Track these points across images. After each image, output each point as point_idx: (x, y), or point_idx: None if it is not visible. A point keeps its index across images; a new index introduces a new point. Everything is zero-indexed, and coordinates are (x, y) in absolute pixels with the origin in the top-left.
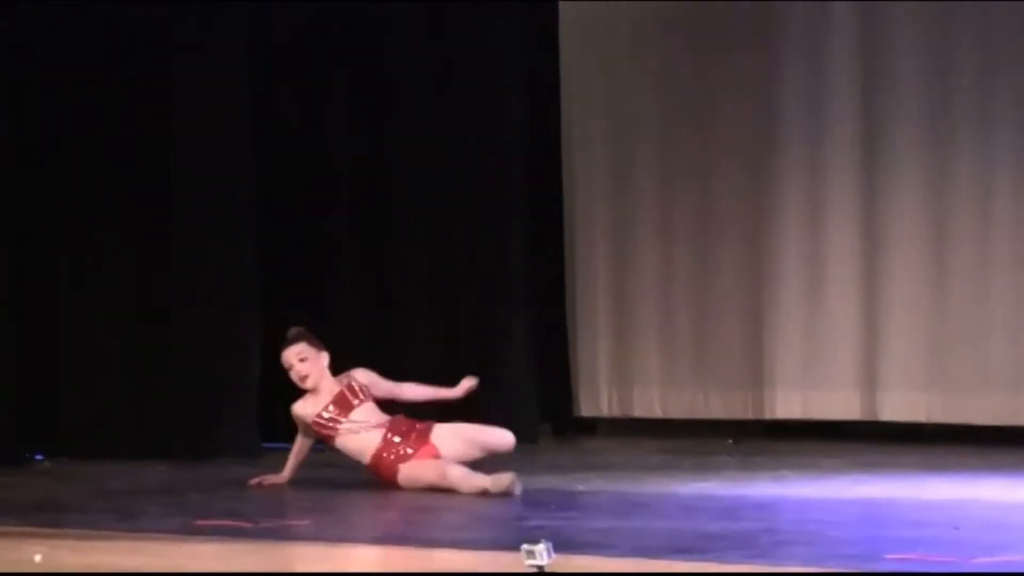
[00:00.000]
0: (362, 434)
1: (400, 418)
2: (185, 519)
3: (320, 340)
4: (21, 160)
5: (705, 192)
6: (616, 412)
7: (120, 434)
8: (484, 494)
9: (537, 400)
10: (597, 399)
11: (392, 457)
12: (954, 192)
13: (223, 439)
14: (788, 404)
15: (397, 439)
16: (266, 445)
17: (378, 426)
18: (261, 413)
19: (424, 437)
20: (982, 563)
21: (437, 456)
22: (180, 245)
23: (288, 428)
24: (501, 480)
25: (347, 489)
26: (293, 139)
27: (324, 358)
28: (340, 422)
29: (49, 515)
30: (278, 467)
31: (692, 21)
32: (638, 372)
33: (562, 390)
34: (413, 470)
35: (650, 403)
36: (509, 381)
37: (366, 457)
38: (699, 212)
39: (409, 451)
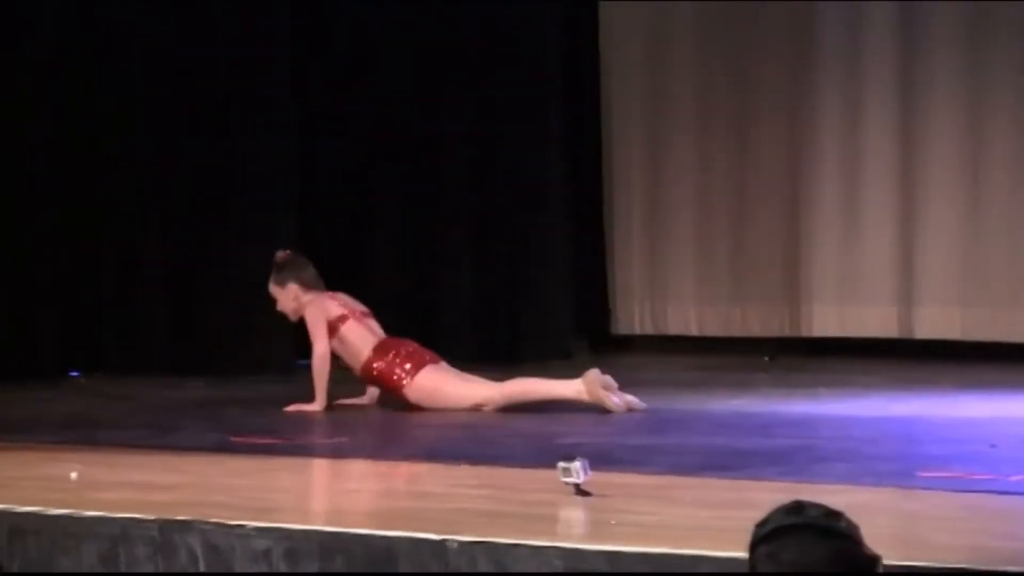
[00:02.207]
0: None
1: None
2: (222, 436)
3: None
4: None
5: (742, 112)
6: (651, 330)
7: (157, 350)
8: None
9: (574, 317)
10: (633, 316)
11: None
12: (991, 109)
13: (259, 355)
14: (824, 321)
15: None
16: (301, 362)
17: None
18: (298, 330)
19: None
20: (1019, 480)
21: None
22: (221, 164)
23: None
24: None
25: (384, 407)
26: (337, 115)
27: (291, 289)
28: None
29: (85, 431)
30: (311, 385)
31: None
32: (674, 289)
33: (599, 307)
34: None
35: (686, 320)
36: (546, 299)
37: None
38: (735, 131)
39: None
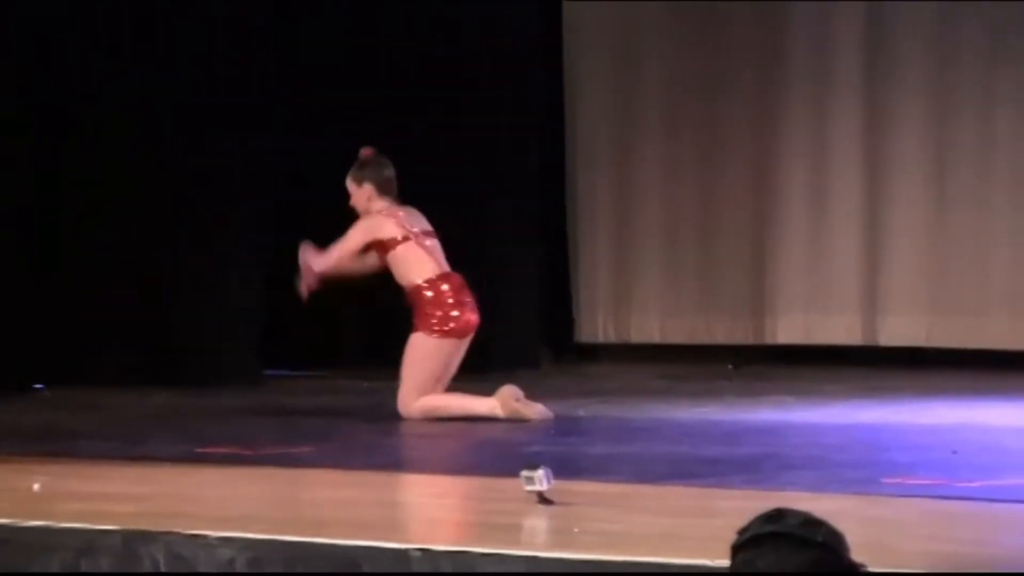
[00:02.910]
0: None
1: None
2: (189, 446)
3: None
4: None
5: (709, 117)
6: (615, 338)
7: (123, 361)
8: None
9: (539, 326)
10: (597, 325)
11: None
12: (956, 119)
13: (226, 366)
14: (790, 329)
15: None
16: (268, 372)
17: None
18: (264, 340)
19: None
20: (980, 486)
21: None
22: (187, 170)
23: (289, 354)
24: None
25: (348, 417)
26: (308, 111)
27: (365, 189)
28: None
29: (51, 443)
30: (279, 394)
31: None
32: (639, 298)
33: (563, 316)
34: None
35: (650, 328)
36: (511, 307)
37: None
38: (702, 137)
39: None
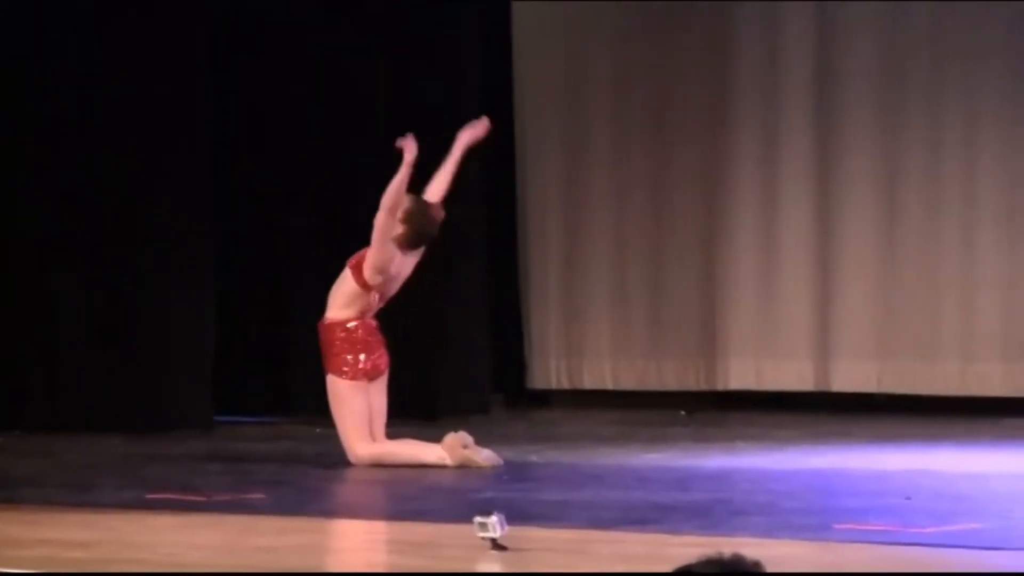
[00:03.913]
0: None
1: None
2: (140, 492)
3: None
4: None
5: (658, 164)
6: (567, 384)
7: (75, 407)
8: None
9: (490, 371)
10: (549, 371)
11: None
12: (904, 166)
13: (178, 412)
14: (741, 374)
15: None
16: (218, 418)
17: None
18: (215, 386)
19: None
20: (933, 532)
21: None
22: (136, 220)
23: (240, 400)
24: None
25: (301, 463)
26: (252, 111)
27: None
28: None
29: (4, 490)
30: (231, 440)
31: (647, 7)
32: (590, 344)
33: (514, 361)
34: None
35: (602, 375)
36: (462, 352)
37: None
38: (652, 184)
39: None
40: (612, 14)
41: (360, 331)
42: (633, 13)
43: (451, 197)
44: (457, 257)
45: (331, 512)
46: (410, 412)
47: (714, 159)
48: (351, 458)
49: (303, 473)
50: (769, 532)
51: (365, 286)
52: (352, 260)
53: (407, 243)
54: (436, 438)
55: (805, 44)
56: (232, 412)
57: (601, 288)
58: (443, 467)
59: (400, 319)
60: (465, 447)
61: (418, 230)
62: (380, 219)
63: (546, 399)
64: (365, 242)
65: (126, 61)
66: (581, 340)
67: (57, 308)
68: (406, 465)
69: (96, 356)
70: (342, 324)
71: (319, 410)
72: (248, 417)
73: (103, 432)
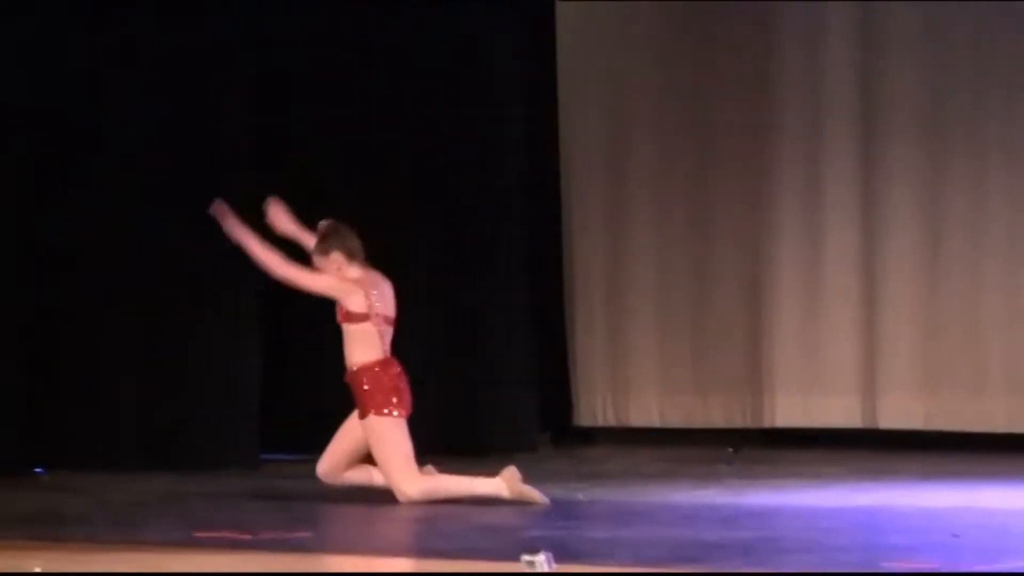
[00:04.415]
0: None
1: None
2: (186, 530)
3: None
4: (25, 170)
5: (703, 200)
6: (614, 421)
7: (122, 446)
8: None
9: (537, 409)
10: (595, 409)
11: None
12: (950, 201)
13: (224, 450)
14: (788, 412)
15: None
16: (265, 456)
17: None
18: (262, 424)
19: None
20: (981, 570)
21: None
22: (181, 256)
23: (287, 438)
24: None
25: (347, 501)
26: (293, 142)
27: (334, 259)
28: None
29: (51, 527)
30: (277, 478)
31: (691, 15)
32: (636, 382)
33: (561, 400)
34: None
35: (648, 412)
36: (509, 391)
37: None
38: (697, 221)
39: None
40: (654, 62)
41: (388, 373)
42: (675, 34)
43: (500, 238)
44: (503, 295)
45: (378, 550)
46: (458, 450)
47: (758, 197)
48: (400, 498)
49: (350, 511)
50: (816, 569)
51: (360, 317)
52: (338, 317)
53: (348, 257)
54: (483, 475)
55: (849, 65)
56: (278, 450)
57: (647, 325)
58: (498, 499)
59: (447, 358)
60: (521, 482)
61: (343, 240)
62: (293, 277)
63: (593, 436)
64: (403, 293)
65: (172, 110)
66: (627, 378)
67: (103, 346)
68: (459, 499)
69: (142, 394)
70: (369, 368)
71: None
72: (294, 455)
73: (150, 470)
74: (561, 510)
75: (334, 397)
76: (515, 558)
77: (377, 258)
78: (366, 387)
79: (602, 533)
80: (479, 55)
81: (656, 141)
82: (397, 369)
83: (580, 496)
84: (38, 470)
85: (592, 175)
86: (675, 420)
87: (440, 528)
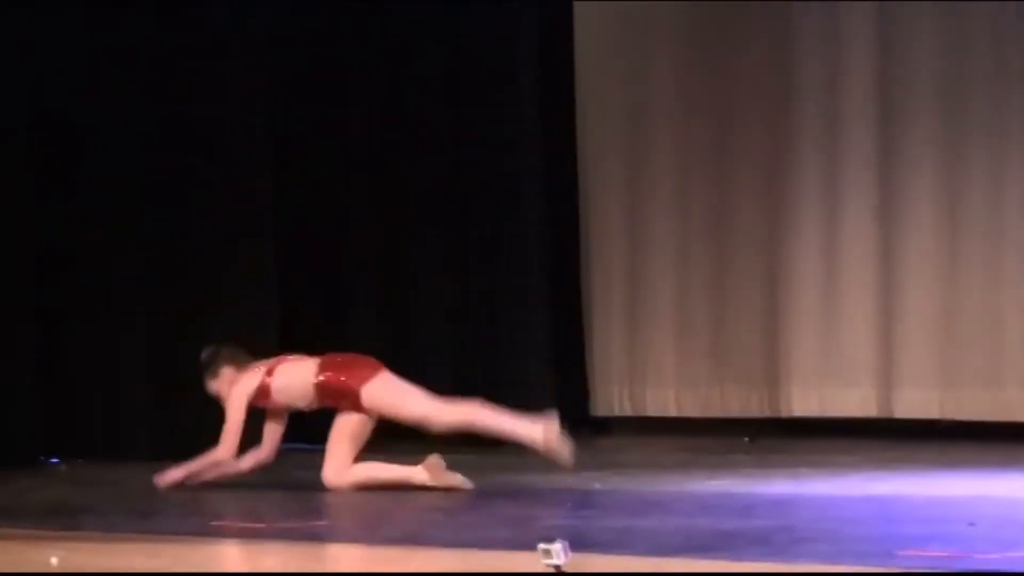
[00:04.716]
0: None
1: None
2: (203, 520)
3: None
4: (45, 170)
5: (721, 191)
6: (630, 411)
7: (137, 436)
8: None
9: (553, 399)
10: (612, 398)
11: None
12: (967, 191)
13: (240, 440)
14: (804, 401)
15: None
16: (284, 446)
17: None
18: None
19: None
20: (997, 559)
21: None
22: (198, 249)
23: (302, 428)
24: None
25: (363, 490)
26: (310, 142)
27: (224, 374)
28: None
29: (66, 518)
30: (293, 468)
31: (709, 16)
32: (653, 371)
33: (578, 389)
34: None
35: (665, 402)
36: (525, 381)
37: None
38: (715, 211)
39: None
40: (672, 45)
41: (335, 370)
42: (692, 32)
43: (515, 224)
44: (520, 285)
45: (395, 540)
46: (475, 440)
47: (776, 186)
48: (330, 484)
49: (365, 501)
50: (832, 559)
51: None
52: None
53: (237, 367)
54: (498, 465)
55: (866, 59)
56: (293, 439)
57: (664, 315)
58: (531, 447)
59: (464, 348)
60: (443, 469)
61: (225, 356)
62: (229, 433)
63: (609, 426)
64: (421, 281)
65: (194, 126)
66: (644, 367)
67: (118, 336)
68: (492, 434)
69: (157, 384)
70: (319, 382)
71: (377, 438)
72: (307, 445)
73: (165, 460)
74: (577, 500)
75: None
76: (532, 547)
77: (397, 250)
78: (335, 389)
79: (618, 522)
80: (497, 54)
81: (675, 132)
82: (337, 359)
83: (597, 485)
84: (54, 461)
85: (611, 165)
86: (692, 410)
87: (457, 518)
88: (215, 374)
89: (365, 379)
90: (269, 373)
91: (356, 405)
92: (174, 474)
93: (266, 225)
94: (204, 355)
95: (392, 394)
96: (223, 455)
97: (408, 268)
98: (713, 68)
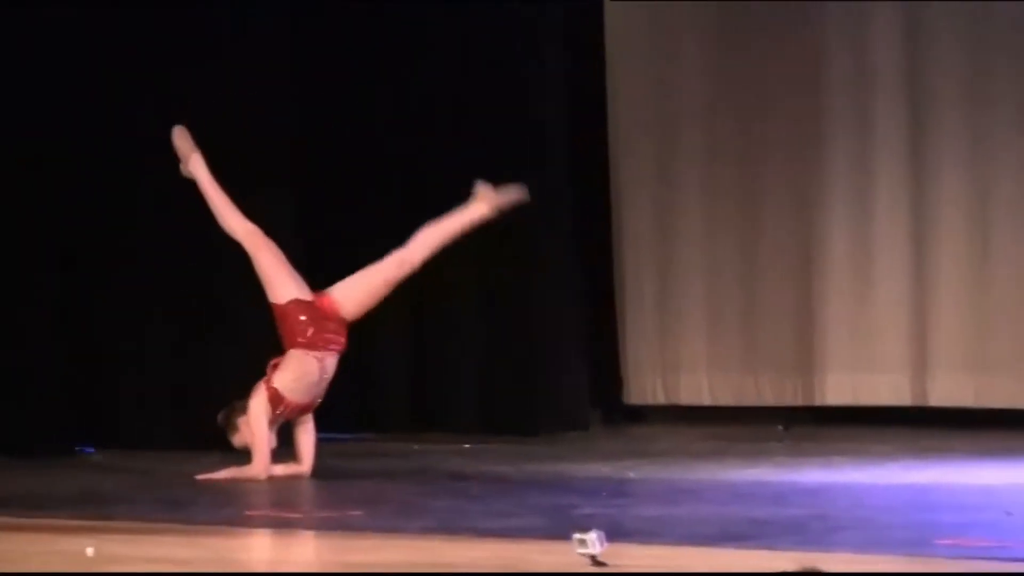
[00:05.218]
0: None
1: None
2: (237, 510)
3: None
4: (66, 160)
5: (752, 178)
6: (664, 400)
7: (169, 426)
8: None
9: (587, 388)
10: (645, 387)
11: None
12: (999, 177)
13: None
14: (838, 390)
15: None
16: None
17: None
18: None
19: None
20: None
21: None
22: (226, 245)
23: (335, 418)
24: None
25: (396, 480)
26: (336, 132)
27: (243, 428)
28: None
29: (100, 507)
30: (327, 457)
31: (740, 6)
32: (686, 360)
33: (611, 378)
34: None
35: (698, 390)
36: (559, 370)
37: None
38: (746, 198)
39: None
40: (701, 40)
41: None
42: (724, 25)
43: (548, 212)
44: (552, 275)
45: (430, 529)
46: (508, 429)
47: (808, 173)
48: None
49: (399, 490)
50: (867, 548)
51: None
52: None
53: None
54: (532, 455)
55: (895, 53)
56: (323, 429)
57: (697, 303)
58: (483, 220)
59: (496, 337)
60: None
61: (235, 417)
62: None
63: (643, 415)
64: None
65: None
66: (677, 356)
67: (148, 327)
68: (452, 235)
69: (190, 373)
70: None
71: (410, 427)
72: (339, 434)
73: (199, 450)
74: (612, 488)
75: (378, 376)
76: (567, 537)
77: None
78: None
79: (653, 511)
80: (525, 38)
81: (705, 125)
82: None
83: (631, 474)
84: (88, 450)
85: (642, 153)
86: (725, 398)
87: (492, 507)
88: (235, 428)
89: (325, 295)
90: (268, 380)
91: (341, 321)
92: (215, 476)
93: (287, 218)
94: (220, 417)
95: (356, 282)
96: (258, 471)
97: (438, 258)
98: (743, 58)
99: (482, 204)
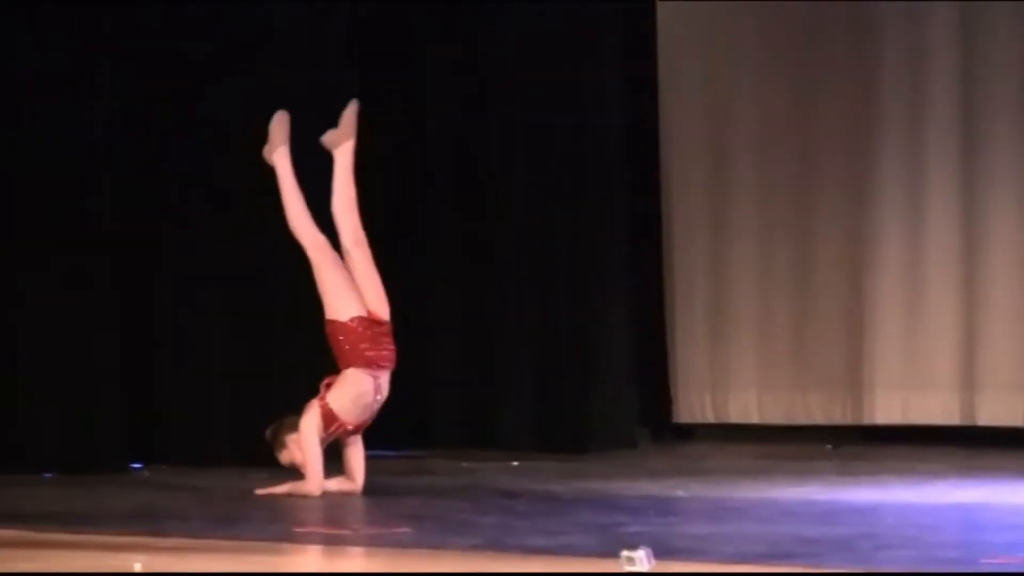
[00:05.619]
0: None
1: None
2: (286, 526)
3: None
4: (119, 166)
5: (803, 198)
6: (713, 418)
7: (220, 442)
8: None
9: (636, 406)
10: (694, 405)
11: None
12: None
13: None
14: (887, 408)
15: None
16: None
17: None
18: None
19: None
20: None
21: None
22: (281, 256)
23: (383, 435)
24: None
25: (445, 496)
26: (392, 135)
27: (291, 440)
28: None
29: (150, 522)
30: (375, 474)
31: (792, 11)
32: (735, 378)
33: (660, 396)
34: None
35: (747, 409)
36: (609, 388)
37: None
38: (797, 218)
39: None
40: (755, 58)
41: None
42: (776, 32)
43: (599, 233)
44: (602, 293)
45: (478, 546)
46: (559, 447)
47: (859, 193)
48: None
49: (447, 507)
50: (915, 566)
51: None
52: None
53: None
54: (581, 472)
55: (949, 57)
56: (373, 446)
57: (746, 322)
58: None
59: (546, 355)
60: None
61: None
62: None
63: (692, 433)
64: (511, 277)
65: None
66: (727, 374)
67: (199, 344)
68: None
69: (240, 391)
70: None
71: (459, 443)
72: (389, 451)
73: (249, 466)
74: (660, 506)
75: (428, 392)
76: (615, 554)
77: (479, 258)
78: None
79: (701, 529)
80: (582, 51)
81: (757, 140)
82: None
83: (679, 492)
84: (137, 465)
85: (693, 172)
86: (774, 416)
87: (539, 524)
88: (283, 445)
89: (362, 309)
90: (322, 398)
91: (389, 327)
92: (274, 490)
93: None
94: (268, 433)
95: (373, 283)
96: (313, 488)
97: (490, 274)
98: (797, 70)
99: (345, 140)
